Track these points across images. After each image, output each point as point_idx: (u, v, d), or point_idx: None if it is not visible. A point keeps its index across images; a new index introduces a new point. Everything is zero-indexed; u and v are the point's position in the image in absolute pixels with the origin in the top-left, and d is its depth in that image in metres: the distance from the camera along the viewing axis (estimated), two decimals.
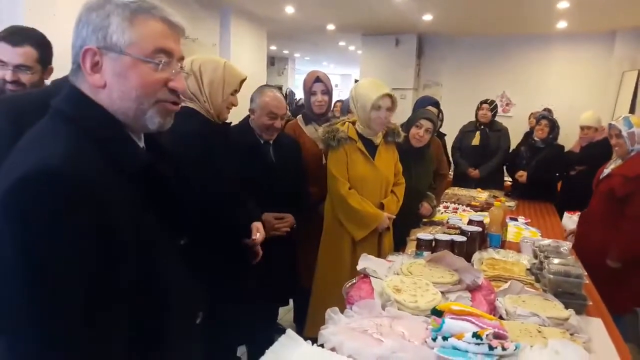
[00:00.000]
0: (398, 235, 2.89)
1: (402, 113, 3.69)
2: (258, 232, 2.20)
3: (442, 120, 4.69)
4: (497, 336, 1.33)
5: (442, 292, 1.71)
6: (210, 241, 1.89)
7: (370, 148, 2.77)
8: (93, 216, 0.82)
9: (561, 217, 4.05)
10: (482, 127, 4.81)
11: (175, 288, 1.03)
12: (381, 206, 2.78)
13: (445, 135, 4.89)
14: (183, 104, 1.95)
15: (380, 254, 2.73)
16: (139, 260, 0.91)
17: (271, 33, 8.41)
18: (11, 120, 1.42)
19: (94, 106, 0.94)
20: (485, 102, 4.86)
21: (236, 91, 2.13)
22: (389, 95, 2.70)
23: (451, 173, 5.07)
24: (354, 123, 2.78)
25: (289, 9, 6.73)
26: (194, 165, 1.85)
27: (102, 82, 0.95)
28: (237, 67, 2.17)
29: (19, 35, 2.01)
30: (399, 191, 2.91)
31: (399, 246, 2.76)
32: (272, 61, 13.78)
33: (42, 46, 2.06)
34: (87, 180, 0.83)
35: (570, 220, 3.90)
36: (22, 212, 0.78)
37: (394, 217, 2.82)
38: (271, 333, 2.83)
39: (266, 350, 1.32)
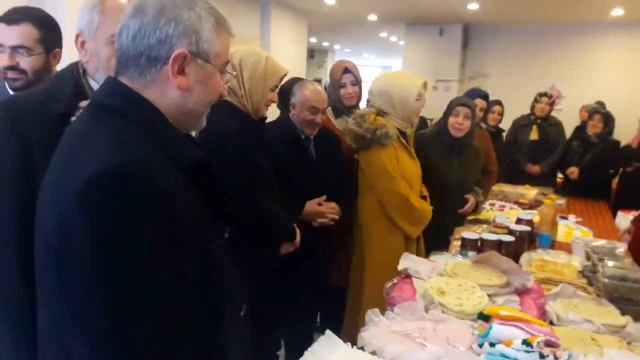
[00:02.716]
0: (441, 233, 2.82)
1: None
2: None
3: (502, 116, 4.55)
4: (548, 344, 1.27)
5: (489, 295, 1.66)
6: (247, 236, 1.90)
7: (407, 142, 2.72)
8: (166, 211, 0.84)
9: (614, 216, 3.89)
10: (539, 121, 4.65)
11: (226, 279, 1.05)
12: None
13: (504, 131, 4.75)
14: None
15: (418, 251, 2.69)
16: (200, 253, 0.93)
17: (311, 25, 8.41)
18: (10, 129, 1.34)
19: (149, 105, 0.95)
20: (544, 95, 4.69)
21: (276, 87, 2.11)
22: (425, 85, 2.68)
23: None
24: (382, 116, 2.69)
25: (330, 0, 6.69)
26: (231, 163, 1.86)
27: (186, 86, 0.96)
28: (279, 62, 2.13)
29: (17, 14, 1.76)
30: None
31: (443, 245, 2.69)
32: (312, 54, 13.76)
33: (45, 26, 1.79)
34: (157, 176, 0.85)
35: (625, 219, 3.72)
36: (101, 209, 0.79)
37: None
38: (310, 333, 2.83)
39: (305, 352, 1.31)
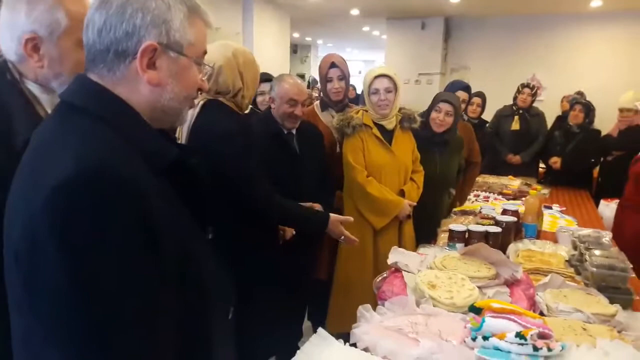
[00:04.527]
0: (424, 226, 2.81)
1: (430, 99, 3.54)
2: None
3: (482, 107, 4.54)
4: (541, 336, 1.25)
5: (479, 287, 1.64)
6: (240, 234, 1.89)
7: (386, 134, 2.73)
8: (139, 215, 0.78)
9: (597, 204, 3.92)
10: (521, 111, 4.67)
11: (212, 282, 1.01)
12: (401, 193, 2.74)
13: (487, 122, 4.76)
14: (208, 97, 1.94)
15: (401, 243, 2.69)
16: (181, 256, 0.88)
17: (294, 20, 8.35)
18: None
19: (121, 103, 0.89)
20: (527, 86, 4.69)
21: None
22: (386, 76, 2.65)
23: None
24: (367, 111, 2.75)
25: None
26: (240, 160, 1.86)
27: (157, 80, 0.90)
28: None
29: None
30: (419, 179, 2.86)
31: (426, 238, 2.68)
32: (295, 49, 13.69)
33: None
34: (129, 179, 0.79)
35: (608, 208, 3.77)
36: (68, 220, 0.74)
37: (415, 204, 2.78)
38: (300, 328, 2.81)
39: (297, 352, 1.28)
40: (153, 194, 0.82)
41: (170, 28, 0.89)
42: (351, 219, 2.20)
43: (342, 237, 2.14)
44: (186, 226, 0.94)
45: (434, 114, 3.01)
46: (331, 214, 2.15)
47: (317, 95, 3.03)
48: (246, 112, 2.15)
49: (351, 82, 3.57)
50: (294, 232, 2.35)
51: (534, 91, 4.67)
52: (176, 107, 0.95)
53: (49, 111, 1.29)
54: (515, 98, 4.72)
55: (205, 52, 0.98)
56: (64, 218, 0.74)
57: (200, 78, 0.99)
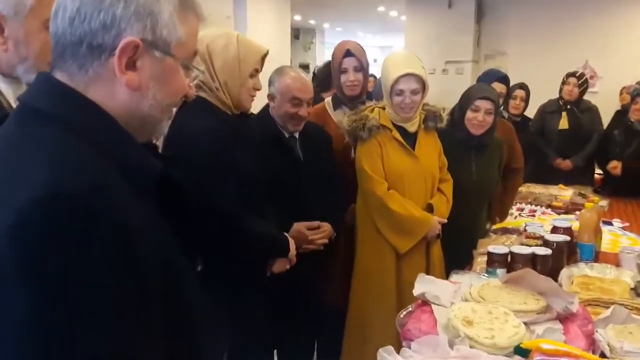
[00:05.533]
0: (456, 248, 2.78)
1: (460, 91, 3.50)
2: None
3: (525, 102, 4.54)
4: None
5: (526, 324, 1.63)
6: (229, 264, 1.88)
7: (408, 137, 2.71)
8: (115, 242, 0.78)
9: None
10: (569, 106, 4.66)
11: (202, 321, 1.02)
12: (429, 208, 2.72)
13: (530, 120, 4.77)
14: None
15: (429, 269, 2.67)
16: (167, 290, 0.88)
17: (295, 0, 8.39)
18: None
19: (95, 108, 0.88)
20: (573, 74, 4.70)
21: (257, 71, 2.09)
22: (413, 75, 2.59)
23: None
24: (384, 108, 2.72)
25: None
26: (207, 170, 1.84)
27: (137, 84, 0.89)
28: (254, 41, 2.12)
29: None
30: (447, 189, 2.83)
31: (460, 263, 2.66)
32: (297, 34, 13.79)
33: None
34: (107, 202, 0.79)
35: None
36: (34, 251, 0.73)
37: (445, 221, 2.75)
38: None
39: None
40: (134, 218, 0.82)
41: (157, 22, 0.88)
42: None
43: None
44: (171, 254, 0.94)
45: (470, 114, 2.94)
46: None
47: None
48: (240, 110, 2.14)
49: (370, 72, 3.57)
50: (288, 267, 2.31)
51: (581, 81, 4.67)
52: (155, 116, 0.95)
53: (13, 104, 1.37)
54: (560, 90, 4.72)
55: (195, 53, 0.99)
56: (30, 248, 0.73)
57: (188, 83, 0.98)
